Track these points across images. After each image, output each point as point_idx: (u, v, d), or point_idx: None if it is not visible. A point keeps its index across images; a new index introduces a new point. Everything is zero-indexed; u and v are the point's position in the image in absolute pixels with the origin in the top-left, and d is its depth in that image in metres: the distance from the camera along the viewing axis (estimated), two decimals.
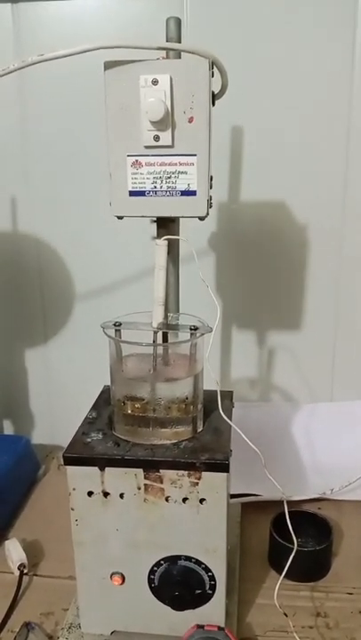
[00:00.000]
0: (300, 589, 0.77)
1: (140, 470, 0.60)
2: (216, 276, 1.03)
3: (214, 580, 0.63)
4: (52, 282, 1.06)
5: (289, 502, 0.87)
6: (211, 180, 0.61)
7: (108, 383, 0.74)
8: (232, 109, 0.87)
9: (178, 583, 0.62)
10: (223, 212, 1.00)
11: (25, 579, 0.78)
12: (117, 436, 0.64)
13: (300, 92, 0.94)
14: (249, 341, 1.07)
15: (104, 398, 0.73)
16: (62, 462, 1.04)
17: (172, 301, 0.69)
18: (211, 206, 0.61)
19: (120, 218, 0.61)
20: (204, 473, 0.59)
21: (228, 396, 0.74)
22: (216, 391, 0.69)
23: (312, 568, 0.79)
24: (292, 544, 0.75)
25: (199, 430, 0.66)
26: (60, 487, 0.99)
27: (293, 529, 0.75)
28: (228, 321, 1.06)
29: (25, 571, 0.78)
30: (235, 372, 1.09)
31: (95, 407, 0.71)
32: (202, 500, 0.60)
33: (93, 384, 0.77)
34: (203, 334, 0.63)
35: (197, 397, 0.66)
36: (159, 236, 0.63)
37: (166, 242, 0.60)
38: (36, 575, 0.80)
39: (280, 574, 0.79)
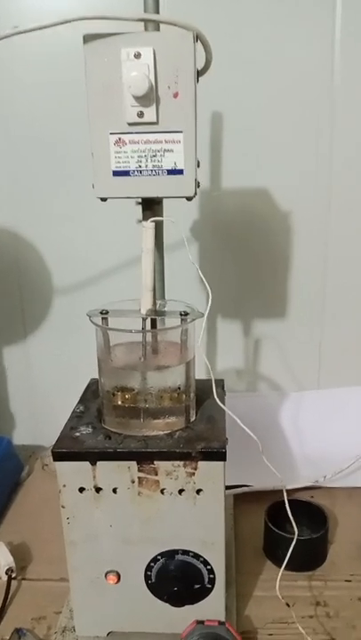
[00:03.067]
0: (298, 579, 0.75)
1: (134, 463, 0.58)
2: (199, 265, 1.00)
3: (213, 574, 0.61)
4: (30, 276, 1.03)
5: (279, 492, 0.86)
6: (198, 164, 0.58)
7: (93, 378, 0.72)
8: (212, 94, 0.84)
9: (176, 578, 0.60)
10: (205, 200, 0.98)
11: (13, 583, 0.75)
12: (108, 428, 0.62)
13: (282, 78, 0.92)
14: (235, 332, 1.05)
15: (91, 391, 0.70)
16: (46, 463, 1.03)
17: (157, 288, 0.67)
18: (198, 186, 0.58)
19: (104, 200, 0.58)
20: (200, 462, 0.57)
21: (219, 384, 0.72)
22: (206, 380, 0.67)
23: (309, 557, 0.78)
24: (288, 534, 0.74)
25: (192, 420, 0.64)
26: (46, 488, 0.96)
27: (288, 518, 0.74)
28: (214, 311, 1.04)
29: (13, 575, 0.75)
30: (221, 363, 1.07)
31: (82, 401, 0.68)
32: (199, 491, 0.58)
33: (76, 381, 0.74)
34: (194, 319, 0.60)
35: (190, 386, 0.63)
36: (145, 218, 0.60)
37: (153, 224, 0.58)
38: (25, 579, 0.76)
39: (277, 565, 0.77)
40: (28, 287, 1.03)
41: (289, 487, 0.91)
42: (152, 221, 0.58)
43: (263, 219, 0.99)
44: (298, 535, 0.77)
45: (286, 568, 0.74)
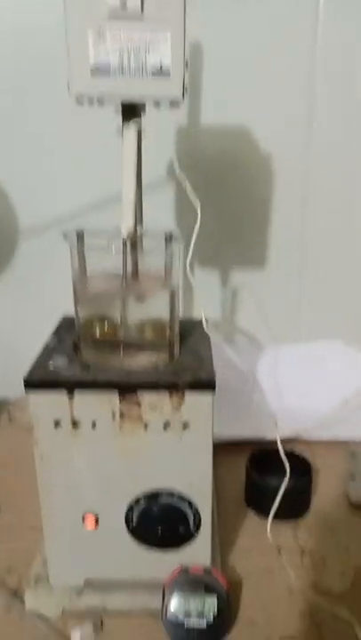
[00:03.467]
0: (283, 529, 0.72)
1: (115, 394, 0.53)
2: (175, 209, 0.95)
3: (199, 516, 0.57)
4: None
5: (261, 442, 0.83)
6: (186, 64, 0.53)
7: (66, 316, 0.67)
8: (192, 23, 0.79)
9: (159, 522, 0.56)
10: (182, 138, 0.92)
11: None
12: (85, 362, 0.56)
13: (264, 14, 0.87)
14: (211, 281, 1.00)
15: (65, 327, 0.65)
16: (13, 415, 0.97)
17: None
18: (186, 90, 0.53)
19: (80, 103, 0.52)
20: (187, 394, 0.53)
21: (200, 324, 0.68)
22: (187, 320, 0.63)
23: (294, 506, 0.74)
24: (271, 482, 0.71)
25: (176, 358, 0.59)
26: (12, 440, 0.91)
27: (270, 468, 0.72)
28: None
29: None
30: (197, 314, 1.02)
31: (56, 335, 0.63)
32: (185, 426, 0.54)
33: (43, 329, 0.67)
34: (181, 243, 0.55)
35: (174, 318, 0.58)
36: (125, 127, 0.54)
37: (136, 126, 0.52)
38: None
39: (260, 515, 0.74)
40: None
41: (268, 438, 0.88)
42: (134, 123, 0.52)
43: (243, 161, 0.94)
44: (283, 487, 0.74)
45: (269, 526, 0.71)
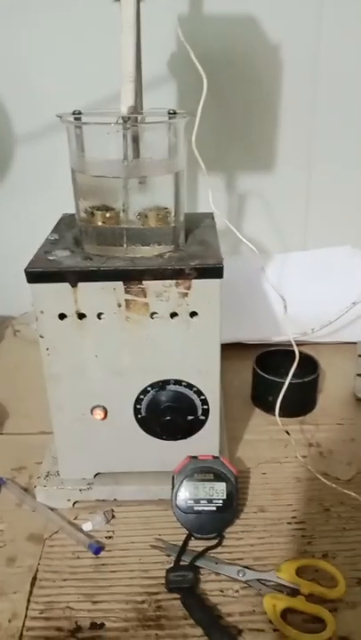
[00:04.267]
0: (290, 424, 0.73)
1: (120, 283, 0.51)
2: (177, 107, 0.90)
3: (207, 404, 0.57)
4: None
5: (266, 345, 0.83)
6: None
7: (65, 213, 0.64)
8: None
9: (168, 409, 0.56)
10: (183, 27, 0.86)
11: None
12: (88, 253, 0.54)
13: None
14: (216, 187, 0.96)
15: (65, 223, 0.63)
16: (18, 329, 0.96)
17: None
18: None
19: None
20: (194, 281, 0.51)
21: (209, 215, 0.66)
22: (191, 213, 0.60)
23: (301, 401, 0.75)
24: (278, 380, 0.71)
25: (182, 247, 0.57)
26: (18, 353, 0.91)
27: (277, 368, 0.73)
28: (193, 162, 0.95)
29: None
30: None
31: (56, 231, 0.60)
32: (193, 314, 0.53)
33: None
34: (186, 117, 0.52)
35: (179, 203, 0.56)
36: None
37: None
38: (2, 434, 0.72)
39: (266, 411, 0.75)
40: None
41: (275, 339, 0.88)
42: None
43: (248, 51, 0.88)
44: (290, 378, 0.74)
45: (278, 414, 0.72)
